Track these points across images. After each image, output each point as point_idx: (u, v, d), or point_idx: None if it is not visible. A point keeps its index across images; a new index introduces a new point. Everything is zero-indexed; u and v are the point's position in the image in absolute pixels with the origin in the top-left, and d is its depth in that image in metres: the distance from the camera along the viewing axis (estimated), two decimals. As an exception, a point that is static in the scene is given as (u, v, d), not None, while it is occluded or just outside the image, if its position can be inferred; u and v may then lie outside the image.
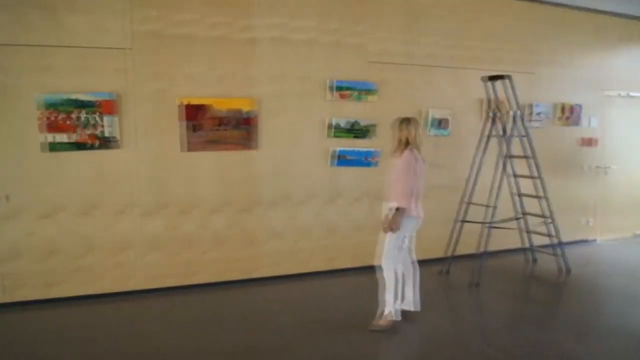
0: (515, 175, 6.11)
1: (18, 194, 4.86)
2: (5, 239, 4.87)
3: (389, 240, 4.33)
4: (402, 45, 6.09)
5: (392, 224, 4.26)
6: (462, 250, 6.10)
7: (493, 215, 5.70)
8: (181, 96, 5.24)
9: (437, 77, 6.30)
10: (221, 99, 5.36)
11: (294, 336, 4.26)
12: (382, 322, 4.38)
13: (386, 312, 4.39)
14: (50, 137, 4.90)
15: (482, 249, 5.67)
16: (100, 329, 4.44)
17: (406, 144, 4.37)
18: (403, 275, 4.56)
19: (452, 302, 5.38)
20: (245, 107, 5.44)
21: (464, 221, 6.00)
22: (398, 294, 4.47)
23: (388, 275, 4.37)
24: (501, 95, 5.94)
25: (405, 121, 4.41)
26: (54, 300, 5.00)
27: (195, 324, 4.54)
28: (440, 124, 6.33)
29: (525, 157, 5.98)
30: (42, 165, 4.91)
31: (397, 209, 4.24)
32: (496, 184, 5.76)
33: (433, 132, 6.31)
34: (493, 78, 5.90)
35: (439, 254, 6.17)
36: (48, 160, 4.92)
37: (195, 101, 5.27)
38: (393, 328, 4.35)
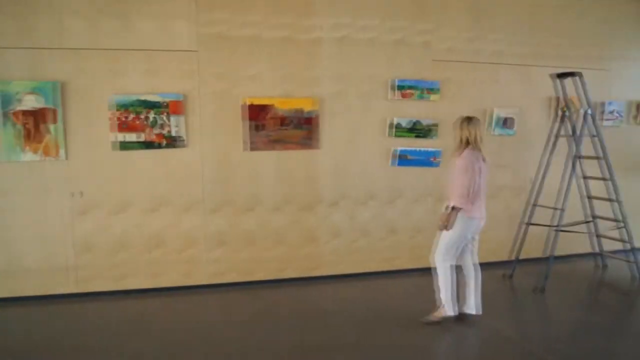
0: (585, 177, 5.85)
1: (92, 190, 5.13)
2: (79, 233, 5.15)
3: (445, 238, 4.34)
4: (468, 42, 5.94)
5: (446, 222, 4.27)
6: (526, 253, 5.91)
7: (561, 218, 5.48)
8: (245, 96, 5.35)
9: (503, 75, 6.11)
10: (283, 98, 5.43)
11: (351, 335, 4.26)
12: (435, 314, 4.43)
13: (442, 306, 4.43)
14: (121, 137, 5.14)
15: (548, 253, 5.47)
16: (166, 321, 4.61)
17: (467, 143, 4.33)
18: (465, 277, 4.52)
19: (515, 307, 5.23)
20: (307, 107, 5.49)
21: (530, 224, 5.80)
22: (454, 291, 4.44)
23: (442, 273, 4.39)
24: (571, 93, 5.70)
25: (466, 120, 4.38)
26: (124, 292, 5.25)
27: (254, 320, 4.63)
28: (505, 123, 6.14)
29: (597, 157, 5.70)
30: (113, 163, 5.15)
31: (453, 208, 4.25)
32: (564, 186, 5.53)
33: (498, 131, 6.13)
34: (562, 75, 5.66)
35: (502, 256, 6.00)
36: (119, 159, 5.16)
37: (258, 101, 5.36)
38: (446, 325, 4.34)
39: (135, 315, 4.76)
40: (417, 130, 5.81)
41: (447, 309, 4.40)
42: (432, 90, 5.80)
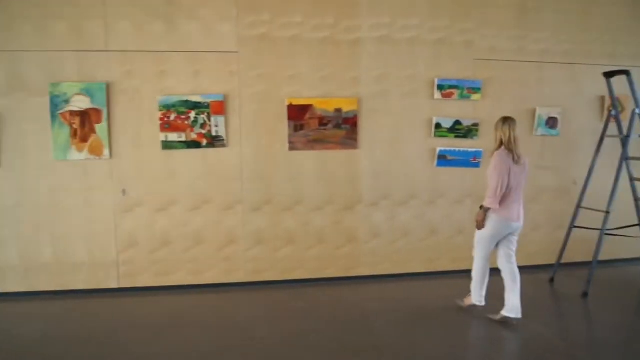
0: (634, 179, 5.65)
1: (137, 188, 5.27)
2: (124, 230, 5.31)
3: (477, 235, 4.55)
4: (512, 41, 5.82)
5: (475, 220, 4.50)
6: (569, 257, 5.77)
7: (606, 221, 5.31)
8: (285, 97, 5.39)
9: (548, 73, 5.95)
10: (323, 99, 5.45)
11: (390, 336, 4.25)
12: (466, 300, 4.77)
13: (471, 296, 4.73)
14: (163, 136, 5.26)
15: (594, 257, 5.32)
16: (206, 317, 4.69)
17: (501, 144, 4.38)
18: (504, 280, 4.52)
19: (557, 312, 5.09)
20: (346, 107, 5.49)
21: (575, 227, 5.64)
22: (481, 283, 4.66)
23: (474, 265, 4.64)
24: (620, 92, 5.51)
25: (502, 121, 4.42)
26: (166, 287, 5.38)
27: (293, 318, 4.67)
28: (549, 123, 5.99)
29: (646, 159, 5.51)
30: (156, 162, 5.29)
31: (481, 207, 4.43)
32: (612, 188, 5.35)
33: (541, 131, 5.98)
34: (611, 74, 5.47)
35: (545, 260, 5.89)
36: (162, 158, 5.29)
37: (298, 101, 5.39)
38: (487, 328, 4.36)
39: (176, 311, 4.86)
40: (458, 130, 5.73)
41: (472, 296, 4.69)
42: (473, 89, 5.71)
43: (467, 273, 4.83)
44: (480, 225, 4.44)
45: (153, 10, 5.17)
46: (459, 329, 4.37)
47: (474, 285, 4.69)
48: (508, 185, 4.28)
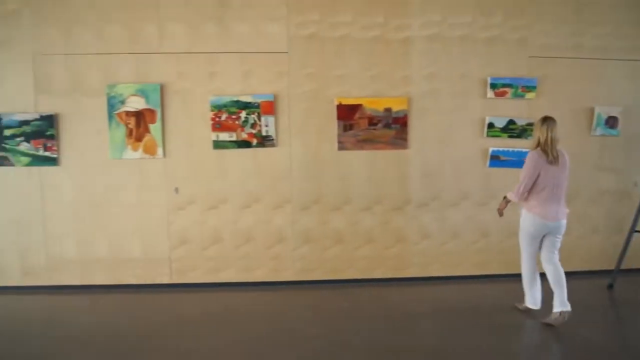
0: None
1: (190, 187, 5.39)
2: (177, 227, 5.44)
3: (519, 237, 4.61)
4: (568, 37, 5.60)
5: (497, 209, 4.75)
6: (631, 263, 5.52)
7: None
8: (334, 96, 5.39)
9: (608, 70, 5.69)
10: (373, 98, 5.41)
11: (437, 338, 4.17)
12: (523, 303, 4.71)
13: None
14: (215, 136, 5.35)
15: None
16: (254, 314, 4.73)
17: (538, 144, 4.39)
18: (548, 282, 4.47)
19: (614, 318, 4.86)
20: (396, 107, 5.43)
21: (637, 231, 5.35)
22: (534, 286, 4.62)
23: (522, 269, 4.64)
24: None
25: (541, 121, 4.41)
26: (217, 284, 5.48)
27: (341, 318, 4.64)
28: (609, 122, 5.74)
29: None
30: (208, 161, 5.39)
31: (504, 198, 4.63)
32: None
33: (599, 131, 5.72)
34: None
35: (604, 265, 5.64)
36: (213, 157, 5.39)
37: (347, 101, 5.38)
38: (539, 332, 4.27)
39: (227, 308, 4.93)
40: (511, 130, 5.57)
41: (526, 299, 4.67)
42: (528, 88, 5.53)
43: (517, 277, 4.71)
44: (499, 213, 4.68)
45: (205, 12, 5.28)
46: (508, 333, 4.25)
47: (525, 287, 4.66)
48: (540, 184, 4.31)
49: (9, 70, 5.26)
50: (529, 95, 5.56)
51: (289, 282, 5.54)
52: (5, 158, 5.30)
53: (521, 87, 5.53)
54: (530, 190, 4.36)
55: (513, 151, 5.57)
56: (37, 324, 4.59)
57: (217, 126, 5.34)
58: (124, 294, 5.32)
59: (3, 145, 5.28)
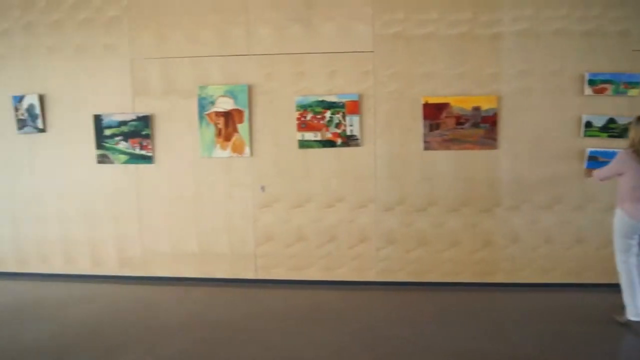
0: None
1: (275, 185, 5.51)
2: (262, 224, 5.57)
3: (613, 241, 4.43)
4: (679, 28, 5.18)
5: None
6: None
7: None
8: (420, 95, 5.29)
9: None
10: (460, 97, 5.26)
11: (522, 346, 4.00)
12: (623, 315, 4.37)
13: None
14: (300, 136, 5.42)
15: None
16: (336, 313, 4.76)
17: (632, 143, 4.27)
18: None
19: None
20: (485, 105, 5.25)
21: None
22: (634, 295, 4.30)
23: (619, 274, 4.39)
24: None
25: (636, 120, 4.29)
26: (300, 281, 5.57)
27: (424, 321, 4.57)
28: None
29: None
30: (293, 161, 5.48)
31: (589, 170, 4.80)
32: None
33: None
34: None
35: None
36: (299, 157, 5.47)
37: (433, 100, 5.26)
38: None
39: (310, 306, 5.00)
40: (611, 129, 5.21)
41: (627, 310, 4.31)
42: (631, 84, 5.15)
43: (617, 287, 4.41)
44: (586, 174, 4.93)
45: (292, 13, 5.36)
46: (603, 346, 3.99)
47: (624, 296, 4.34)
48: (630, 182, 4.21)
49: (110, 73, 5.63)
50: (632, 92, 5.17)
51: (372, 283, 5.51)
52: (106, 156, 5.67)
53: (623, 84, 5.16)
54: (624, 188, 4.27)
55: (613, 152, 5.19)
56: (138, 312, 4.91)
57: (303, 126, 5.41)
58: (212, 287, 5.54)
59: (103, 144, 5.65)
